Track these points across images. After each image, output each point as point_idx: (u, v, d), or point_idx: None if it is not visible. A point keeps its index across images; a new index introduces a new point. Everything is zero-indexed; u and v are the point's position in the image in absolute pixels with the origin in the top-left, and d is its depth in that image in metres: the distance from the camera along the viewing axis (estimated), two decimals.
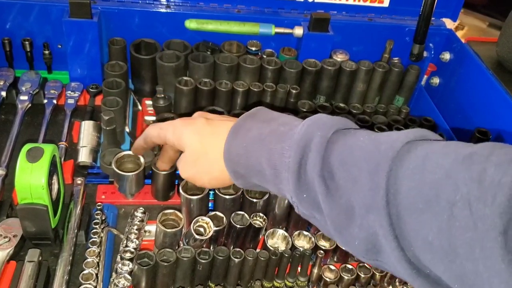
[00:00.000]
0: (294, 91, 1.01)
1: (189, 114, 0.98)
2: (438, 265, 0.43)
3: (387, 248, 0.46)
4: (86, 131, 0.90)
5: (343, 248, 0.68)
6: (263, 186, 0.60)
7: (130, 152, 0.81)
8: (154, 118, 0.96)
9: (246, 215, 0.73)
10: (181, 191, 0.73)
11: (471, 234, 0.39)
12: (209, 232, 0.67)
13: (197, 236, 0.66)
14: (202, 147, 0.63)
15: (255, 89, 0.99)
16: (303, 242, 0.78)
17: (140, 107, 1.03)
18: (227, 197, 0.74)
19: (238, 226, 0.71)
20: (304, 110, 1.02)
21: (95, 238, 0.71)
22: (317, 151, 0.52)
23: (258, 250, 0.77)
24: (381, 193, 0.46)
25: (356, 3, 1.10)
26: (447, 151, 0.45)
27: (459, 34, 1.75)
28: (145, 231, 0.77)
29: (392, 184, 0.46)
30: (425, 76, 1.17)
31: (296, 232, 0.77)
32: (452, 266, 0.41)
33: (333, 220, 0.51)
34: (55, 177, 0.71)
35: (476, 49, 1.10)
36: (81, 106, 1.01)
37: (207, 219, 0.68)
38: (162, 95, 0.96)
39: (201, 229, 0.68)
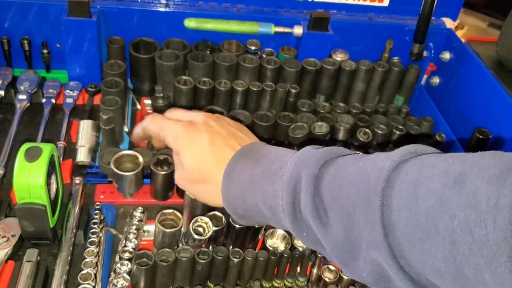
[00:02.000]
0: (293, 91, 1.01)
1: None
2: None
3: (395, 279, 0.46)
4: (85, 130, 0.90)
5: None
6: (267, 223, 0.61)
7: (129, 152, 0.80)
8: None
9: None
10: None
11: (477, 260, 0.38)
12: (208, 232, 0.67)
13: (196, 236, 0.66)
14: (201, 175, 0.63)
15: (255, 89, 0.99)
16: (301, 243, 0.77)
17: (139, 107, 1.02)
18: None
19: (237, 226, 0.71)
20: (304, 109, 1.01)
21: (93, 238, 0.71)
22: (306, 190, 0.51)
23: (257, 250, 0.77)
24: (377, 227, 0.45)
25: (356, 2, 1.10)
26: (437, 172, 0.43)
27: (459, 33, 1.74)
28: (144, 231, 0.77)
29: (387, 217, 0.45)
30: (425, 76, 1.16)
31: None
32: None
33: (337, 256, 0.51)
34: (53, 177, 0.71)
35: (476, 48, 1.09)
36: (80, 105, 1.01)
37: (206, 219, 0.67)
38: (161, 95, 0.96)
39: (200, 229, 0.68)
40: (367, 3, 1.10)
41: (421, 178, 0.44)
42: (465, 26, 1.82)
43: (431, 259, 0.42)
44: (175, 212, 0.71)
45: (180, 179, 0.68)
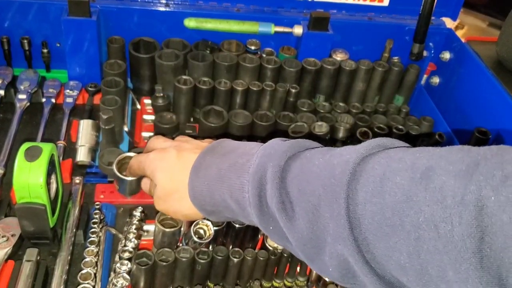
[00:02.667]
0: (293, 90, 1.01)
1: (188, 113, 0.99)
2: (415, 287, 0.42)
3: (361, 274, 0.45)
4: (85, 130, 0.90)
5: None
6: (236, 219, 0.60)
7: (131, 154, 0.80)
8: (153, 117, 0.96)
9: None
10: None
11: (441, 257, 0.38)
12: (209, 235, 0.67)
13: (196, 239, 0.66)
14: (172, 184, 0.62)
15: (254, 88, 0.99)
16: None
17: (139, 106, 1.02)
18: None
19: (237, 226, 0.71)
20: (304, 109, 1.01)
21: (93, 237, 0.71)
22: (272, 183, 0.50)
23: (257, 250, 0.77)
24: (342, 221, 0.45)
25: (356, 2, 1.10)
26: (404, 166, 0.43)
27: (459, 33, 1.74)
28: (144, 231, 0.77)
29: (353, 211, 0.44)
30: (425, 76, 1.16)
31: None
32: None
33: (302, 250, 0.50)
34: (53, 176, 0.71)
35: (476, 48, 1.09)
36: (80, 105, 1.01)
37: (207, 222, 0.67)
38: (161, 94, 0.96)
39: (201, 231, 0.68)
40: (367, 3, 1.10)
41: (388, 172, 0.43)
42: (465, 26, 1.82)
43: (396, 254, 0.41)
44: None
45: (156, 200, 0.66)
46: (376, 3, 1.11)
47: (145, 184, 0.73)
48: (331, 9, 1.10)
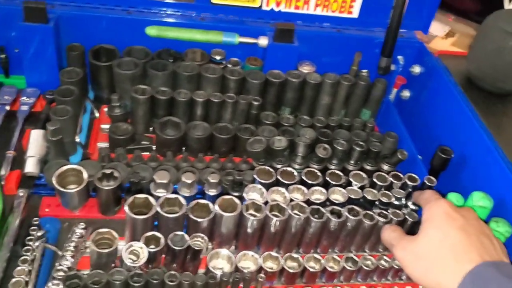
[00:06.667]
0: (255, 103, 0.98)
1: (146, 124, 0.97)
2: None
3: None
4: (35, 140, 0.87)
5: None
6: None
7: (73, 166, 0.78)
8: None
9: (185, 235, 0.70)
10: (126, 209, 0.71)
11: None
12: (142, 258, 0.64)
13: (128, 264, 0.63)
14: (436, 253, 0.66)
15: (215, 100, 0.97)
16: (249, 263, 0.75)
17: (97, 115, 1.00)
18: (170, 216, 0.72)
19: (175, 248, 0.68)
20: (268, 122, 0.99)
21: (26, 255, 0.69)
22: None
23: (201, 270, 0.75)
24: None
25: (325, 13, 1.08)
26: None
27: (449, 41, 1.72)
28: (85, 248, 0.75)
29: None
30: (395, 89, 1.14)
31: (242, 253, 0.75)
32: None
33: None
34: None
35: (447, 63, 1.07)
36: (36, 113, 0.98)
37: (141, 244, 0.65)
38: (118, 104, 0.94)
39: (136, 253, 0.65)
40: (336, 14, 1.08)
41: None
42: (456, 34, 1.80)
43: None
44: (111, 231, 0.69)
45: (406, 252, 0.70)
46: (345, 15, 1.08)
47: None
48: (298, 20, 1.07)
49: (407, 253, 0.69)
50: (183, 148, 0.95)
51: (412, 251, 0.68)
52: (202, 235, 0.71)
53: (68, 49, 0.99)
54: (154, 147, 0.94)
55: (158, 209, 0.71)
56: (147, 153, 0.91)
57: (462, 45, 1.53)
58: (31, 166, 0.85)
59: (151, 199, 0.73)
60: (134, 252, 0.66)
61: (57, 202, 0.82)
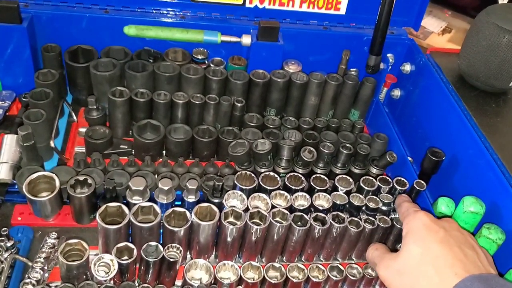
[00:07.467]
0: (239, 104, 0.95)
1: (125, 127, 0.93)
2: None
3: None
4: (8, 146, 0.84)
5: None
6: None
7: (45, 173, 0.75)
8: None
9: (160, 246, 0.67)
10: (98, 218, 0.67)
11: None
12: (113, 270, 0.61)
13: (98, 277, 0.60)
14: (421, 268, 0.63)
15: (196, 102, 0.93)
16: (229, 273, 0.72)
17: (75, 118, 0.96)
18: (144, 225, 0.68)
19: (148, 259, 0.65)
20: (252, 124, 0.95)
21: None
22: None
23: (179, 281, 0.71)
24: None
25: (311, 10, 1.04)
26: None
27: (446, 37, 1.68)
28: (57, 258, 0.71)
29: None
30: (385, 89, 1.10)
31: (222, 263, 0.71)
32: None
33: None
34: None
35: (438, 61, 1.03)
36: (12, 116, 0.95)
37: (111, 256, 0.61)
38: (95, 106, 0.90)
39: (107, 266, 0.62)
40: (323, 11, 1.04)
41: None
42: (453, 30, 1.76)
43: None
44: (81, 242, 0.65)
45: (388, 267, 0.67)
46: (332, 12, 1.04)
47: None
48: (284, 17, 1.03)
49: (390, 271, 0.65)
50: (163, 152, 0.91)
51: (394, 268, 0.65)
52: (177, 245, 0.68)
53: (44, 49, 0.95)
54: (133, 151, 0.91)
55: (131, 218, 0.68)
56: (126, 157, 0.88)
57: (459, 41, 1.50)
58: (3, 173, 0.81)
59: (124, 207, 0.69)
60: (106, 265, 0.62)
61: (30, 210, 0.78)
